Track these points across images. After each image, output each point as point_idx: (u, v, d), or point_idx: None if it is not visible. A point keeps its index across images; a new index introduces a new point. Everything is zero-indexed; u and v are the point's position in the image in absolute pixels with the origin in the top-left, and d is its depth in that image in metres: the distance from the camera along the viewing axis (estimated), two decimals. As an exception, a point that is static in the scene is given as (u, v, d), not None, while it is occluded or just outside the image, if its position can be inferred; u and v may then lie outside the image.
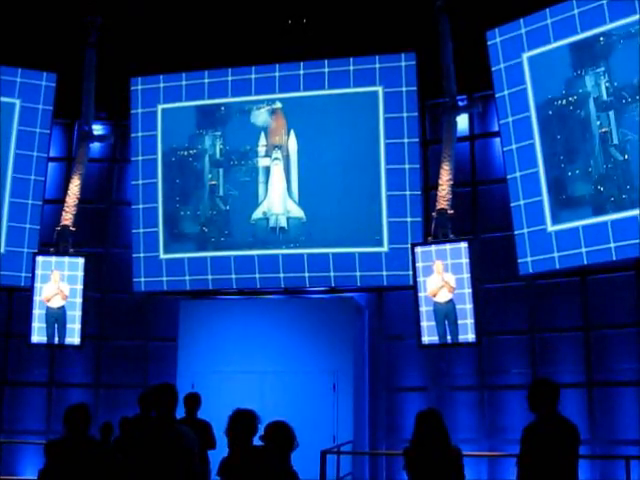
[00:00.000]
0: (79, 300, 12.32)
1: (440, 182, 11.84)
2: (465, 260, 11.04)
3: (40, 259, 12.45)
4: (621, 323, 11.40)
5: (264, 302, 12.90)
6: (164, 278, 13.20)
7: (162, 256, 13.28)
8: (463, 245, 11.13)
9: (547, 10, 11.42)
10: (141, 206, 13.41)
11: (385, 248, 12.40)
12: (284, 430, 5.30)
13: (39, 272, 12.38)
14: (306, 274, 12.68)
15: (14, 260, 12.93)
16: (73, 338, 12.32)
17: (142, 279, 13.29)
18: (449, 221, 11.52)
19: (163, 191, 13.38)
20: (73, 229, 12.74)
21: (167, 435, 5.44)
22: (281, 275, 12.78)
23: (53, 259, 12.45)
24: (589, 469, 11.11)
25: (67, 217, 12.78)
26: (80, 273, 12.37)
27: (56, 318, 12.31)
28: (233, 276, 12.95)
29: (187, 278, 13.12)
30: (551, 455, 5.62)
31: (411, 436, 5.89)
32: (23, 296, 12.74)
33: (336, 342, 11.94)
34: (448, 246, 11.24)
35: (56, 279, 12.33)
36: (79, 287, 12.35)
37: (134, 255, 13.34)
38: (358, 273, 12.48)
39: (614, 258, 10.74)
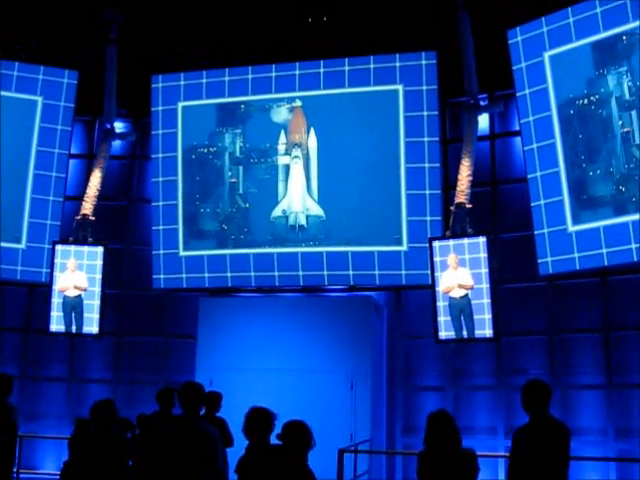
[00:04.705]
0: (98, 289, 12.40)
1: (459, 177, 11.81)
2: (483, 255, 11.01)
3: (59, 248, 12.54)
4: (642, 325, 11.33)
5: (283, 300, 12.93)
6: (183, 275, 13.26)
7: (182, 253, 13.33)
8: (481, 240, 11.11)
9: (569, 9, 11.32)
10: (161, 203, 13.47)
11: (404, 247, 12.37)
12: (302, 429, 5.30)
13: (58, 261, 12.47)
14: (325, 272, 12.68)
15: (35, 256, 13.04)
16: (91, 327, 12.39)
17: (162, 276, 13.35)
18: (467, 215, 11.49)
19: (183, 188, 13.42)
20: (93, 219, 12.82)
21: (191, 433, 5.45)
22: (300, 273, 12.79)
23: (72, 248, 12.54)
24: (607, 472, 11.05)
25: (87, 207, 12.87)
26: (99, 262, 12.45)
27: (73, 307, 12.40)
28: (252, 274, 12.98)
29: (206, 275, 13.16)
30: (542, 458, 5.53)
31: (423, 438, 5.85)
32: (43, 292, 12.83)
33: (354, 341, 11.93)
34: (466, 240, 11.22)
35: (72, 268, 12.41)
36: (98, 276, 12.42)
37: (154, 252, 13.40)
38: (377, 272, 12.46)
39: (635, 259, 10.65)
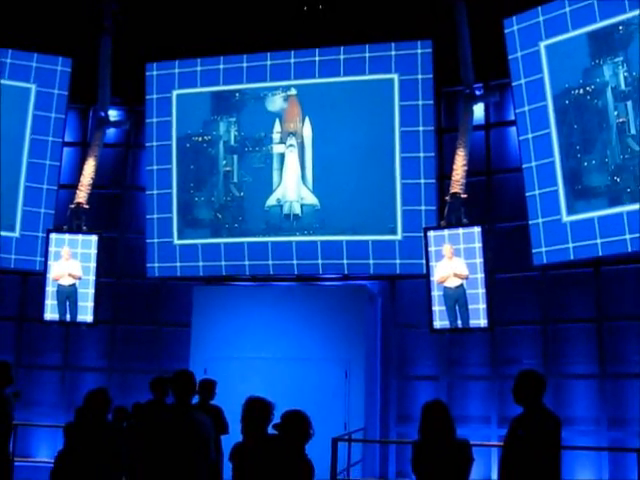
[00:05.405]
0: (92, 278, 12.40)
1: (454, 167, 11.82)
2: (478, 245, 11.04)
3: (54, 236, 12.54)
4: (635, 315, 11.34)
5: (277, 289, 12.93)
6: (178, 264, 13.24)
7: (176, 242, 13.31)
8: (476, 229, 11.12)
9: (565, -2, 11.32)
10: (155, 192, 13.43)
11: (399, 236, 12.37)
12: (302, 419, 5.29)
13: (52, 249, 12.46)
14: (319, 261, 12.68)
15: (29, 244, 13.01)
16: (86, 316, 12.41)
17: (156, 265, 13.33)
18: (462, 205, 11.51)
19: (177, 177, 13.38)
20: (87, 207, 12.82)
21: (184, 422, 5.48)
22: (294, 262, 12.78)
23: (66, 236, 12.53)
24: (600, 461, 11.10)
25: (81, 195, 12.88)
26: (93, 251, 12.46)
27: (67, 296, 12.41)
28: (246, 262, 12.96)
29: (201, 264, 13.15)
30: (533, 448, 5.51)
31: (418, 428, 5.86)
32: (37, 280, 12.81)
33: (348, 330, 11.95)
34: (461, 230, 11.24)
35: (66, 257, 12.40)
36: (92, 265, 12.43)
37: (148, 241, 13.38)
38: (371, 261, 12.46)
39: (629, 250, 10.67)
